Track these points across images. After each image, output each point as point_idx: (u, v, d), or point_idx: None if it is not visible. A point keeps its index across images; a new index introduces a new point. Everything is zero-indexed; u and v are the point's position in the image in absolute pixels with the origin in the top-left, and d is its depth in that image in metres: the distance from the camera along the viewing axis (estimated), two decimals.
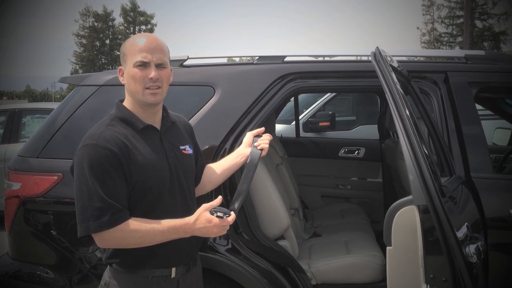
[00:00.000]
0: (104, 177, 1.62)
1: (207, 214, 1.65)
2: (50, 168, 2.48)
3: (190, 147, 1.91)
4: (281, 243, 2.71)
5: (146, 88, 1.71)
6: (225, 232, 1.69)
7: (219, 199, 1.69)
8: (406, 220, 1.91)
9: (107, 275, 1.80)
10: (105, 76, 2.71)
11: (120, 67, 1.79)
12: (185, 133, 1.96)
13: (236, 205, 1.83)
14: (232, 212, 1.69)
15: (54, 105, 7.28)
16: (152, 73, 1.70)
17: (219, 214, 1.64)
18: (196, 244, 1.88)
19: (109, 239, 1.64)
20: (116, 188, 1.64)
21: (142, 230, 1.64)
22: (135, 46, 1.72)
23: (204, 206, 1.67)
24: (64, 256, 2.46)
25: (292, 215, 3.45)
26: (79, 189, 1.63)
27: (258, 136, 2.11)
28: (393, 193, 3.88)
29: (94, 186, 1.60)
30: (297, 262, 2.58)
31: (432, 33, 45.29)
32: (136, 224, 1.64)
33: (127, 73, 1.73)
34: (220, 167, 2.10)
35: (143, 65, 1.70)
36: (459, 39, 42.25)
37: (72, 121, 2.58)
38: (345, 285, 2.74)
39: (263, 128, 2.16)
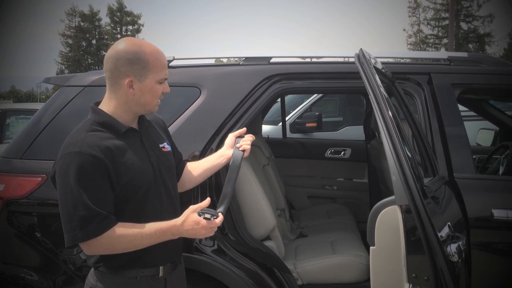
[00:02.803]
0: (89, 184, 1.60)
1: (195, 216, 1.64)
2: (34, 170, 2.46)
3: (168, 144, 1.92)
4: (267, 243, 2.72)
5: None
6: (212, 234, 1.68)
7: (207, 200, 1.70)
8: (389, 220, 1.93)
9: (92, 278, 1.78)
10: (90, 77, 2.70)
11: (130, 78, 1.70)
12: (161, 130, 1.97)
13: (222, 208, 1.81)
14: (220, 214, 1.69)
15: (39, 106, 7.21)
16: (168, 87, 1.79)
17: (206, 216, 1.64)
18: (181, 241, 1.89)
19: (97, 246, 1.63)
20: (102, 194, 1.62)
21: (129, 235, 1.63)
22: (159, 62, 1.74)
23: (192, 207, 1.66)
24: (48, 258, 2.44)
25: (279, 215, 3.46)
26: (64, 198, 1.61)
27: (240, 137, 2.10)
28: (379, 193, 3.91)
29: (79, 194, 1.59)
30: (283, 262, 2.59)
31: (418, 35, 45.74)
32: (123, 230, 1.63)
33: (147, 86, 1.72)
34: (201, 167, 2.10)
35: (164, 81, 1.77)
36: (445, 40, 42.71)
37: (57, 122, 2.55)
38: (331, 285, 2.75)
39: (245, 129, 2.15)
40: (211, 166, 2.08)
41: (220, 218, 1.68)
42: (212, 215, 1.65)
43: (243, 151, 2.03)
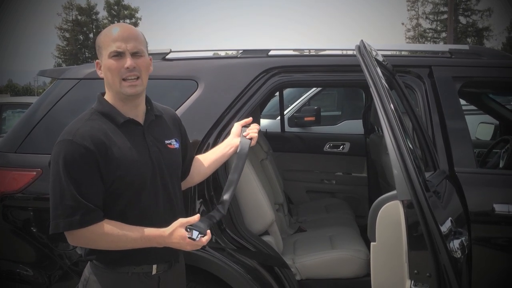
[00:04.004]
0: (78, 176, 1.59)
1: (182, 231, 1.62)
2: (29, 164, 2.42)
3: (176, 141, 1.86)
4: (266, 238, 2.69)
5: (123, 80, 1.66)
6: (198, 248, 1.67)
7: (196, 217, 1.67)
8: (390, 215, 1.90)
9: (87, 271, 1.77)
10: (85, 70, 2.66)
11: (97, 60, 1.75)
12: (172, 126, 1.91)
13: (228, 196, 1.82)
14: (208, 231, 1.66)
15: (35, 100, 7.17)
16: (128, 62, 1.65)
17: (193, 234, 1.62)
18: None
19: (80, 238, 1.62)
20: (90, 187, 1.60)
21: (114, 234, 1.61)
22: (109, 37, 1.68)
23: (181, 221, 1.64)
24: (44, 253, 2.41)
25: (277, 210, 3.43)
26: (53, 186, 1.60)
27: (246, 126, 2.10)
28: (378, 187, 3.89)
29: (67, 184, 1.57)
30: (281, 257, 2.56)
31: (416, 28, 45.69)
32: (108, 228, 1.61)
33: (104, 66, 1.69)
34: (208, 159, 2.07)
35: (118, 55, 1.66)
36: (443, 34, 42.69)
37: (52, 115, 2.52)
38: (329, 280, 2.73)
39: (250, 118, 2.14)
40: (219, 157, 2.07)
41: (206, 237, 1.65)
42: (199, 233, 1.63)
43: (250, 139, 2.03)
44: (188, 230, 1.62)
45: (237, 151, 2.00)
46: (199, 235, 1.62)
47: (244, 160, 1.96)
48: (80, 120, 1.68)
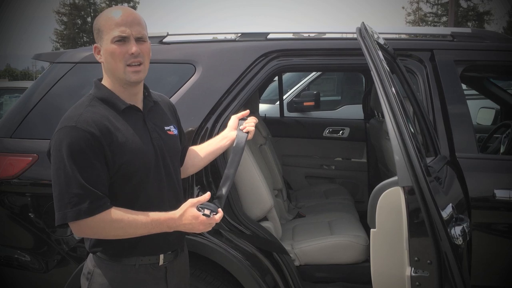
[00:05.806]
0: (84, 162, 1.52)
1: (194, 211, 1.57)
2: (25, 149, 2.39)
3: (174, 127, 1.83)
4: (264, 224, 2.68)
5: (128, 65, 1.61)
6: (210, 229, 1.62)
7: (207, 195, 1.62)
8: (391, 202, 1.87)
9: (90, 263, 1.71)
10: (81, 53, 2.61)
11: (95, 44, 1.67)
12: (169, 113, 1.87)
13: (224, 190, 1.78)
14: (219, 210, 1.62)
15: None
16: (133, 48, 1.59)
17: (206, 211, 1.58)
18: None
19: (87, 228, 1.55)
20: (96, 174, 1.54)
21: (124, 220, 1.55)
22: (111, 20, 1.61)
23: (191, 201, 1.59)
24: (41, 238, 2.39)
25: (276, 196, 3.41)
26: (57, 175, 1.53)
27: (243, 119, 2.05)
28: (378, 173, 3.87)
29: (73, 171, 1.51)
30: (280, 243, 2.55)
31: (417, 12, 45.28)
32: (118, 214, 1.55)
33: (105, 50, 1.62)
34: (204, 151, 2.03)
35: (122, 40, 1.59)
36: (444, 18, 42.33)
37: (47, 99, 2.48)
38: (328, 266, 2.72)
39: (248, 111, 2.09)
40: (215, 149, 2.02)
41: (220, 214, 1.61)
42: (212, 211, 1.59)
43: (247, 133, 1.98)
44: (200, 209, 1.58)
45: (233, 145, 1.95)
46: (212, 213, 1.59)
47: (241, 154, 1.91)
48: (80, 106, 1.62)
